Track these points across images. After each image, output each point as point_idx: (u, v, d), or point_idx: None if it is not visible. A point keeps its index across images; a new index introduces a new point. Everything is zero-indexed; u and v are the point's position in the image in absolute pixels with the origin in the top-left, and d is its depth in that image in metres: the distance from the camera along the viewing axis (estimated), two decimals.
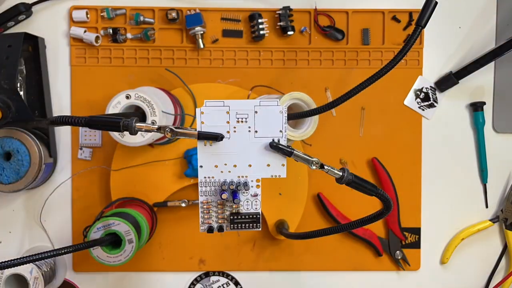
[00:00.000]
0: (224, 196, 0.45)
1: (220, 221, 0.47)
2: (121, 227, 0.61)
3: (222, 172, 0.45)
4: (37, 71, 0.72)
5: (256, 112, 0.45)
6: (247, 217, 0.46)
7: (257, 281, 0.77)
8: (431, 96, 0.76)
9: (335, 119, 0.76)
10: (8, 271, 0.66)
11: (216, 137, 0.44)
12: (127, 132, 0.62)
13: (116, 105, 0.62)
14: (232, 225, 0.46)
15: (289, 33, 0.74)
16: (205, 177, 0.45)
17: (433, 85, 0.76)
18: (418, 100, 0.76)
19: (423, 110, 0.76)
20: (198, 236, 0.75)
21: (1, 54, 0.67)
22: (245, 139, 0.45)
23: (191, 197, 0.74)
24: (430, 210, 0.77)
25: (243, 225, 0.47)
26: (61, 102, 0.74)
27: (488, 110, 0.77)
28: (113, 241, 0.61)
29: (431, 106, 0.76)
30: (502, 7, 0.77)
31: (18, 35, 0.68)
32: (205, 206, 0.46)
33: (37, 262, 0.69)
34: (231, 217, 0.46)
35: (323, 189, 0.76)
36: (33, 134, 0.69)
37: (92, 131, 0.74)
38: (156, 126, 0.42)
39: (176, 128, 0.42)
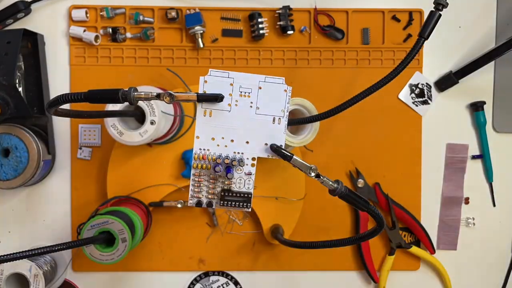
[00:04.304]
0: (218, 169, 0.43)
1: (210, 196, 0.45)
2: (115, 225, 0.61)
3: (218, 145, 0.44)
4: (36, 68, 0.72)
5: (260, 88, 0.43)
6: (238, 195, 0.45)
7: (257, 281, 0.77)
8: (426, 93, 0.76)
9: (336, 123, 0.75)
10: (7, 271, 0.66)
11: (215, 98, 0.42)
12: (126, 131, 0.62)
13: (116, 104, 0.62)
14: (222, 202, 0.45)
15: (289, 32, 0.74)
16: (200, 149, 0.44)
17: (429, 82, 0.76)
18: (413, 95, 0.76)
19: (417, 106, 0.76)
20: (197, 236, 0.75)
21: (0, 50, 0.67)
22: (246, 114, 0.43)
23: (187, 198, 0.74)
24: (431, 209, 0.77)
25: (233, 203, 0.45)
26: None
27: (488, 110, 0.77)
28: (107, 239, 0.61)
29: (425, 102, 0.76)
30: (501, 7, 0.77)
31: (17, 31, 0.68)
32: (196, 179, 0.44)
33: (37, 262, 0.68)
34: (222, 193, 0.45)
35: (320, 195, 0.76)
36: (32, 130, 0.69)
37: (92, 129, 0.74)
38: (155, 93, 0.41)
39: (175, 92, 0.41)
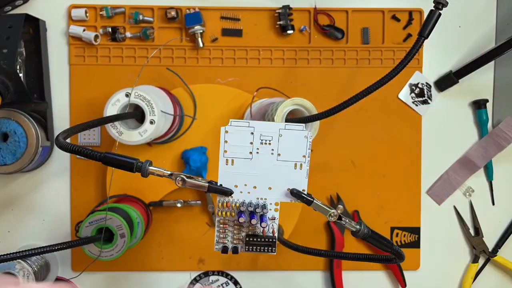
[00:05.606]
0: (241, 219, 0.44)
1: (235, 241, 0.46)
2: (113, 221, 0.61)
3: (241, 192, 0.45)
4: (37, 54, 0.72)
5: (280, 135, 0.44)
6: (263, 240, 0.46)
7: (257, 281, 0.76)
8: (425, 93, 0.76)
9: (336, 122, 0.75)
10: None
11: (225, 193, 0.44)
12: (125, 131, 0.62)
13: (116, 103, 0.62)
14: (247, 247, 0.46)
15: (289, 32, 0.73)
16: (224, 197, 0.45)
17: (429, 82, 0.76)
18: (413, 95, 0.76)
19: (417, 105, 0.76)
20: (197, 236, 0.75)
21: (1, 34, 0.66)
22: (268, 161, 0.44)
23: (187, 197, 0.74)
24: (430, 209, 0.77)
25: (259, 248, 0.46)
26: (60, 101, 0.74)
27: (487, 110, 0.77)
28: (106, 237, 0.61)
29: (425, 102, 0.76)
30: (502, 7, 0.77)
31: (19, 16, 0.68)
32: (221, 225, 0.46)
33: (27, 260, 0.68)
34: (247, 239, 0.46)
35: (320, 195, 0.76)
36: (31, 116, 0.69)
37: (92, 130, 0.74)
38: (168, 173, 0.43)
39: (187, 177, 0.42)
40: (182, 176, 0.43)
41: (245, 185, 0.45)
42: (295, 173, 0.45)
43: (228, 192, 0.44)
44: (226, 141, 0.44)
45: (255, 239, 0.46)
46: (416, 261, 0.77)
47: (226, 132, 0.44)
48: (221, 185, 0.44)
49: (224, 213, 0.45)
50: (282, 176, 0.45)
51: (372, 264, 0.76)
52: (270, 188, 0.45)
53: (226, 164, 0.45)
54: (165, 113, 0.64)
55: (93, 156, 0.43)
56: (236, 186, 0.45)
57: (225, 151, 0.44)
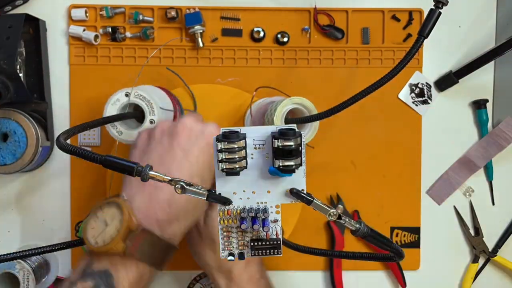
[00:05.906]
0: (244, 226, 0.44)
1: (240, 247, 0.46)
2: None
3: (241, 199, 0.45)
4: (37, 54, 0.72)
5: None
6: (267, 243, 0.46)
7: None
8: (425, 93, 0.76)
9: (336, 122, 0.75)
10: None
11: (224, 202, 0.44)
12: (125, 131, 0.62)
13: (115, 103, 0.62)
14: (252, 252, 0.46)
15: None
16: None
17: (429, 82, 0.76)
18: (413, 95, 0.76)
19: (417, 105, 0.76)
20: None
21: (1, 34, 0.67)
22: (263, 165, 0.44)
23: None
24: (430, 209, 0.77)
25: (264, 251, 0.46)
26: (60, 101, 0.74)
27: (487, 110, 0.77)
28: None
29: (425, 102, 0.76)
30: (501, 7, 0.77)
31: (19, 16, 0.69)
32: (225, 233, 0.46)
33: (28, 260, 0.68)
34: (252, 244, 0.46)
35: (320, 195, 0.76)
36: (31, 116, 0.69)
37: (92, 130, 0.74)
38: (168, 179, 0.42)
39: (187, 185, 0.42)
40: (181, 183, 0.42)
41: (244, 191, 0.45)
42: (292, 174, 0.45)
43: (227, 202, 0.44)
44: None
45: (259, 243, 0.46)
46: (416, 261, 0.77)
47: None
48: (220, 194, 0.44)
49: (226, 221, 0.45)
50: (279, 179, 0.45)
51: (372, 264, 0.76)
52: (269, 192, 0.45)
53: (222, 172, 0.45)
54: (164, 110, 0.64)
55: (94, 159, 0.43)
56: (234, 193, 0.45)
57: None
